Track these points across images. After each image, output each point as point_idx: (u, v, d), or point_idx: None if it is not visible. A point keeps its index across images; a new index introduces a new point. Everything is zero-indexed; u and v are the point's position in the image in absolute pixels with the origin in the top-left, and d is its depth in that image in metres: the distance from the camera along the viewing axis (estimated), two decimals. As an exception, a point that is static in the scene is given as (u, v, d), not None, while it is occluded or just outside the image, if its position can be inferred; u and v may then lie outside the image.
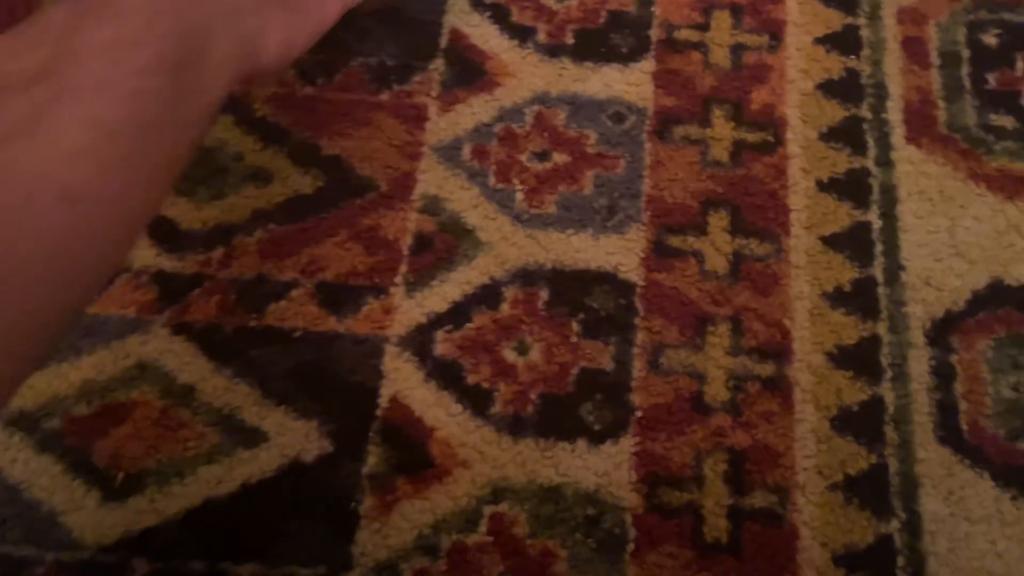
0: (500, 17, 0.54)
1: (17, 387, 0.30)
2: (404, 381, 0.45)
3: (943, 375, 0.45)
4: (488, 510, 0.42)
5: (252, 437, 0.43)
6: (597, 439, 0.44)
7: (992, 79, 0.53)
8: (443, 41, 0.53)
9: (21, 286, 0.25)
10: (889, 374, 0.45)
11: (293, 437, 0.43)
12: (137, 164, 0.28)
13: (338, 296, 0.46)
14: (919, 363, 0.46)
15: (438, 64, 0.53)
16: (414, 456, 0.43)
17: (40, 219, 0.26)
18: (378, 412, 0.44)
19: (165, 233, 0.48)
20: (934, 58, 0.54)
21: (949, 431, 0.44)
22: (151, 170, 0.29)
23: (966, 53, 0.54)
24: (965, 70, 0.53)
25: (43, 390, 0.44)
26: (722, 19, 0.54)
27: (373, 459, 0.43)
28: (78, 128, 0.26)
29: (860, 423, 0.44)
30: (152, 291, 0.46)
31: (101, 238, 0.28)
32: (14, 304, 0.25)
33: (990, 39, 0.54)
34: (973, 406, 0.45)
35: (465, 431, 0.44)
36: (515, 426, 0.44)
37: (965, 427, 0.44)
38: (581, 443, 0.44)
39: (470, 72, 0.52)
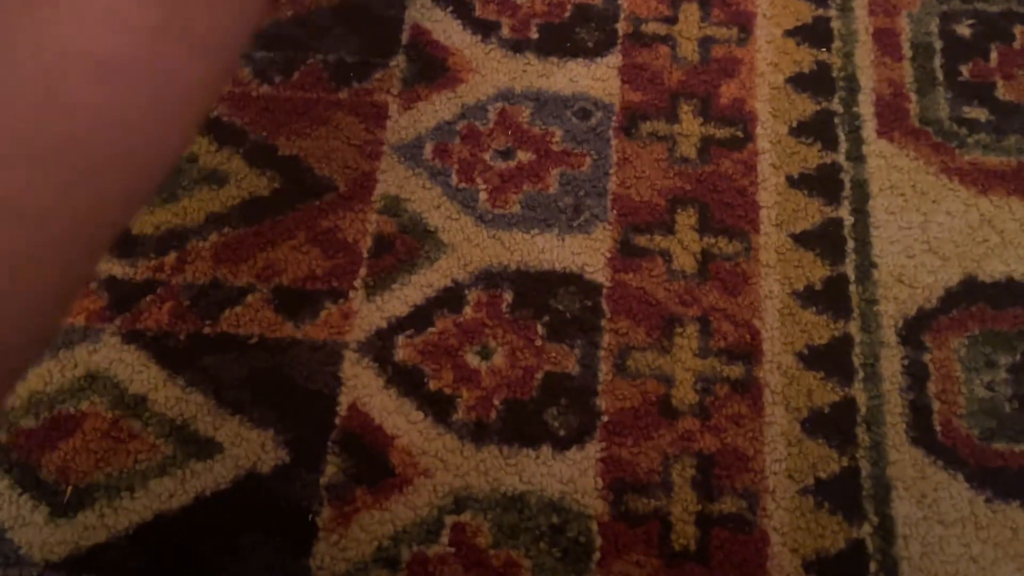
0: (463, 12, 0.53)
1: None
2: (363, 388, 0.43)
3: (916, 375, 0.44)
4: (450, 520, 0.41)
5: (206, 448, 0.42)
6: (562, 445, 0.42)
7: (966, 71, 0.52)
8: (404, 37, 0.52)
9: (51, 174, 0.22)
10: (861, 374, 0.44)
11: (249, 447, 0.42)
12: (175, 36, 0.25)
13: (295, 301, 0.45)
14: (891, 363, 0.45)
15: (399, 61, 0.51)
16: (374, 465, 0.42)
17: (71, 96, 0.23)
18: (336, 420, 0.43)
19: (117, 239, 0.46)
20: (906, 50, 0.53)
21: (922, 432, 0.43)
22: (192, 44, 0.26)
23: (939, 44, 0.53)
24: (938, 62, 0.52)
25: (-11, 402, 0.42)
26: (690, 11, 0.53)
27: (331, 469, 0.42)
28: None
29: (831, 425, 0.43)
30: (102, 298, 0.45)
31: (141, 120, 0.25)
32: (45, 194, 0.22)
33: (964, 30, 0.53)
34: (946, 406, 0.44)
35: (426, 439, 0.42)
36: (478, 433, 0.43)
37: (938, 428, 0.43)
38: (546, 450, 0.42)
39: (432, 68, 0.51)
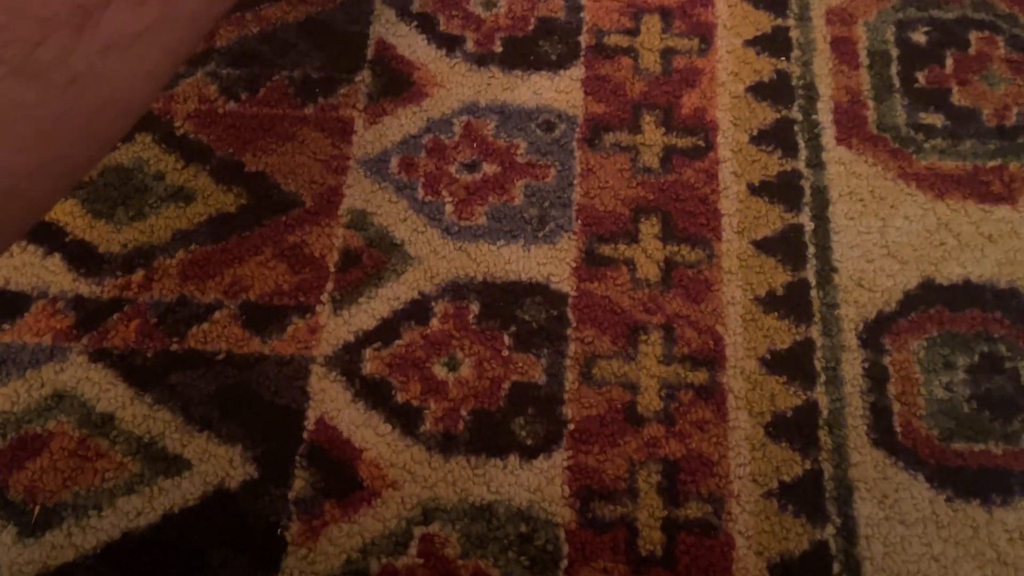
0: (427, 26, 0.53)
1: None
2: (331, 402, 0.44)
3: (876, 377, 0.45)
4: (418, 531, 0.41)
5: (174, 465, 0.42)
6: (530, 454, 0.43)
7: (921, 77, 0.53)
8: (369, 52, 0.52)
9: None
10: (823, 378, 0.45)
11: (217, 464, 0.42)
12: None
13: (262, 316, 0.45)
14: (852, 366, 0.45)
15: (364, 76, 0.52)
16: (342, 479, 0.42)
17: None
18: (304, 435, 0.43)
19: (82, 257, 0.46)
20: (863, 58, 0.54)
21: (883, 433, 0.44)
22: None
23: (895, 52, 0.54)
24: (894, 69, 0.53)
25: (-44, 424, 0.42)
26: (652, 23, 0.54)
27: (300, 483, 0.42)
28: None
29: (794, 429, 0.44)
30: (69, 317, 0.45)
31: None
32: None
33: (919, 37, 0.54)
34: (906, 407, 0.45)
35: (394, 451, 0.43)
36: (446, 444, 0.43)
37: (899, 429, 0.44)
38: (513, 459, 0.43)
39: (397, 83, 0.51)
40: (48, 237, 0.47)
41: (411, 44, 0.53)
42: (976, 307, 0.47)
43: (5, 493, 0.41)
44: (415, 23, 0.53)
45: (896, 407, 0.45)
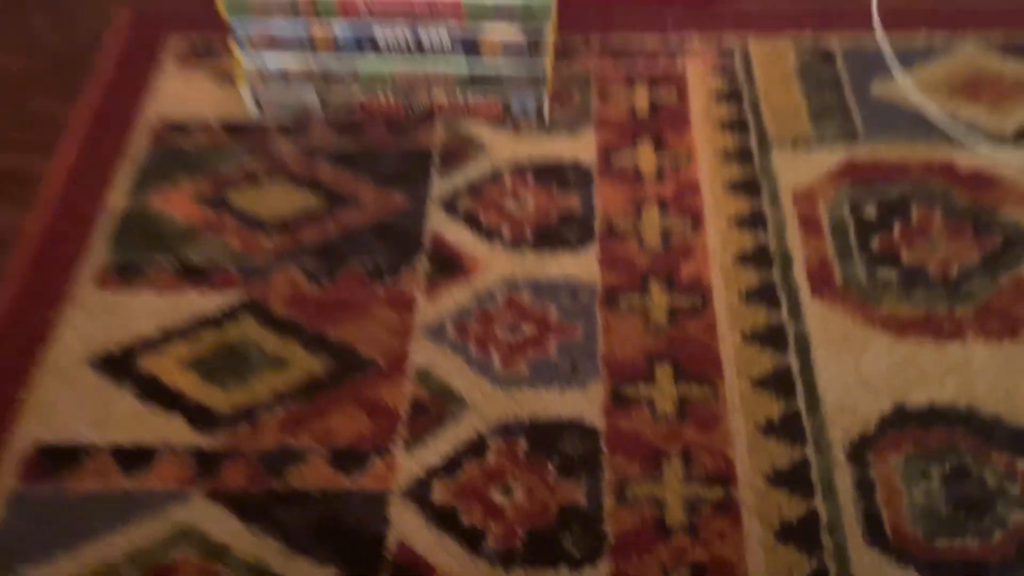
0: (471, 220, 0.66)
1: None
2: (408, 527, 0.52)
3: (865, 488, 0.54)
4: (487, 635, 0.48)
5: (279, 586, 0.50)
6: (577, 565, 0.51)
7: (875, 242, 0.65)
8: (426, 243, 0.65)
9: None
10: (820, 489, 0.53)
11: (314, 584, 0.50)
12: None
13: (348, 458, 0.55)
14: (844, 479, 0.54)
15: (422, 261, 0.64)
16: (420, 592, 0.50)
17: None
18: (387, 556, 0.51)
19: (200, 417, 0.56)
20: (826, 229, 0.66)
21: (876, 535, 0.52)
22: None
23: (852, 223, 0.66)
24: (852, 237, 0.65)
25: (92, 559, 0.50)
26: (651, 212, 0.67)
27: (385, 598, 0.50)
28: None
29: (800, 534, 0.52)
30: (189, 466, 0.54)
31: None
32: None
33: (870, 211, 0.67)
34: (893, 512, 0.53)
35: (463, 567, 0.51)
36: (506, 559, 0.51)
37: (889, 531, 0.52)
38: (564, 570, 0.51)
39: (449, 265, 0.64)
40: (171, 401, 0.57)
41: (458, 235, 0.65)
42: (942, 427, 0.56)
43: (136, 617, 0.49)
44: (461, 218, 0.66)
45: (885, 512, 0.53)
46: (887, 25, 0.78)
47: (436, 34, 0.65)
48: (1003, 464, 0.54)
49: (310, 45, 0.66)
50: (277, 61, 0.67)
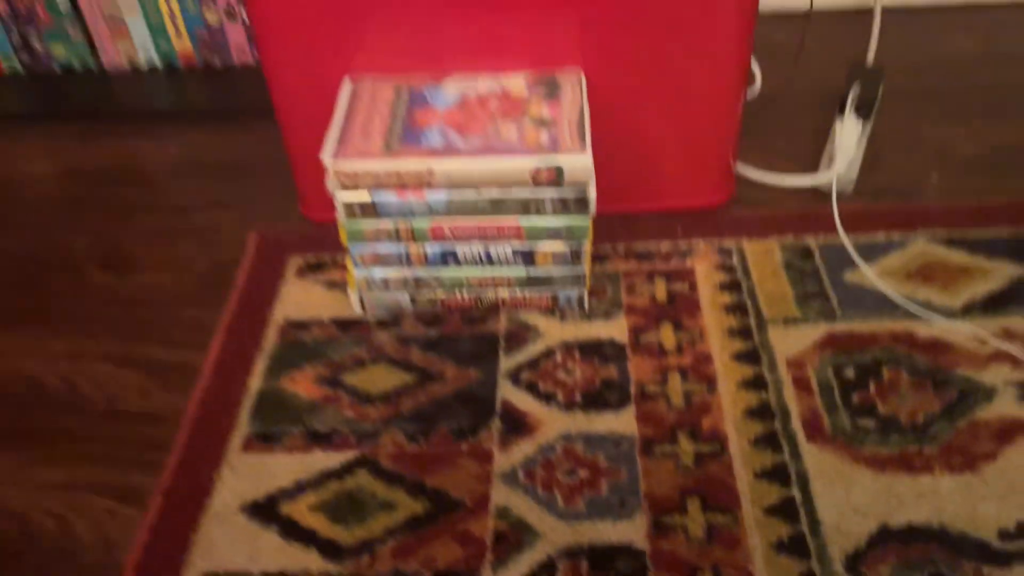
0: (532, 389, 0.84)
1: None
2: (498, 631, 0.66)
3: (861, 592, 0.67)
4: None
5: None
6: (634, 659, 0.64)
7: (855, 397, 0.82)
8: (498, 408, 0.82)
9: None
10: (824, 594, 0.67)
11: (427, 677, 0.63)
12: None
13: (448, 578, 0.69)
14: (843, 585, 0.68)
15: (496, 422, 0.81)
16: None
17: None
18: (483, 654, 0.65)
19: (330, 549, 0.72)
20: (815, 388, 0.83)
21: (872, 629, 0.65)
22: None
23: (835, 383, 0.83)
24: (837, 394, 0.82)
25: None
26: (675, 378, 0.84)
27: None
28: None
29: (811, 629, 0.65)
30: (324, 586, 0.69)
31: None
32: None
33: (850, 373, 0.84)
34: (885, 611, 0.66)
35: (543, 662, 0.64)
36: (577, 655, 0.64)
37: (883, 626, 0.65)
38: (624, 663, 0.64)
39: (517, 425, 0.81)
40: (306, 538, 0.73)
41: (523, 400, 0.83)
42: (920, 542, 0.70)
43: None
44: (525, 387, 0.84)
45: (878, 611, 0.66)
46: (852, 227, 0.99)
47: (502, 249, 0.86)
48: (972, 571, 0.68)
49: (407, 260, 0.87)
50: (380, 273, 0.88)
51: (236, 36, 1.31)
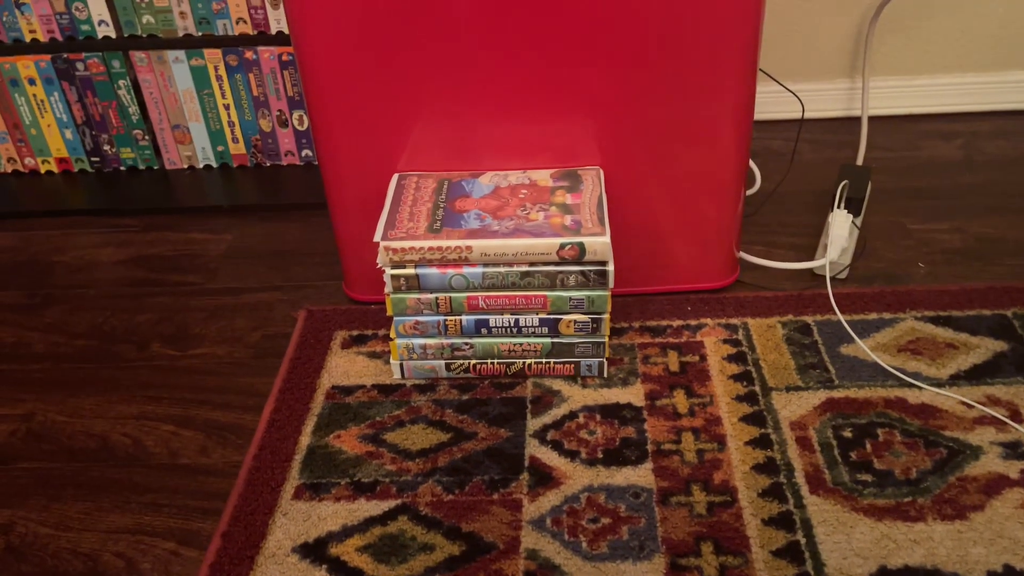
0: (558, 446, 0.92)
1: None
2: (530, 658, 0.72)
3: (863, 625, 0.73)
4: None
5: None
6: None
7: (854, 454, 0.89)
8: (526, 463, 0.90)
9: None
10: (829, 627, 0.73)
11: None
12: None
13: (483, 611, 0.76)
14: (846, 619, 0.74)
15: (525, 476, 0.89)
16: None
17: None
18: None
19: (374, 584, 0.79)
20: (817, 447, 0.91)
21: (874, 658, 0.71)
22: None
23: (834, 442, 0.91)
24: (836, 451, 0.90)
25: None
26: (688, 437, 0.92)
27: None
28: None
29: (817, 658, 0.71)
30: (371, 617, 0.76)
31: None
32: None
33: (847, 433, 0.92)
34: (885, 642, 0.72)
35: None
36: None
37: (884, 655, 0.71)
38: None
39: (544, 478, 0.88)
40: None
41: (549, 456, 0.91)
42: (916, 581, 0.77)
43: None
44: (550, 445, 0.92)
45: (879, 642, 0.72)
46: (846, 308, 1.08)
47: (530, 320, 0.96)
48: (964, 607, 0.74)
49: (444, 330, 0.97)
50: (420, 341, 0.98)
51: (285, 140, 1.46)
